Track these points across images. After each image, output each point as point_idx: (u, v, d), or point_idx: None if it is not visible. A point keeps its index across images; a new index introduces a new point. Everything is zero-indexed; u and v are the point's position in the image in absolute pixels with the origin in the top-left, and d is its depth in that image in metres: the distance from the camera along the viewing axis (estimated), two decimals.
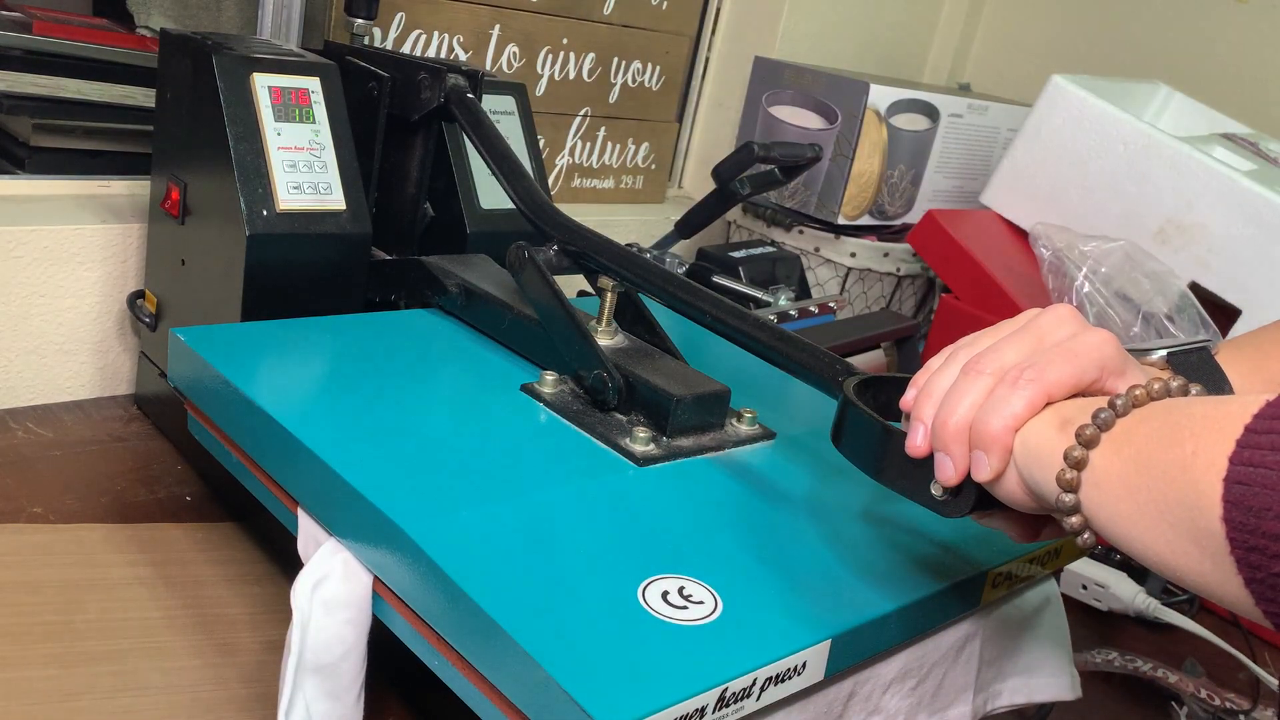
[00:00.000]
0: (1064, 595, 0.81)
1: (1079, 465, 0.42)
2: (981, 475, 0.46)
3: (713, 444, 0.68)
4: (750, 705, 0.48)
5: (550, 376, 0.71)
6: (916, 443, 0.48)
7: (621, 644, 0.47)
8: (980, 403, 0.46)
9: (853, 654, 0.53)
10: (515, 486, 0.59)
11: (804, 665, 0.50)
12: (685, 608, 0.50)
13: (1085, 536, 0.43)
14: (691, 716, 0.45)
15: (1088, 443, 0.42)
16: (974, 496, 0.47)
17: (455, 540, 0.52)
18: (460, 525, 0.53)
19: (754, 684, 0.48)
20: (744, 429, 0.70)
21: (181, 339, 0.70)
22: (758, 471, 0.66)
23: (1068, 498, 0.43)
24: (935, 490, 0.48)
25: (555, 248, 0.76)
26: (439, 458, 0.60)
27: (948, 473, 0.47)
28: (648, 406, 0.68)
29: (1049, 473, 0.43)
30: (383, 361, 0.72)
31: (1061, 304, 0.50)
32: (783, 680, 0.49)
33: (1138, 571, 0.96)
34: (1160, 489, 0.39)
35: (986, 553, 0.61)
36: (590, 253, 0.75)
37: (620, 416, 0.68)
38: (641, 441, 0.65)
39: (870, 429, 0.51)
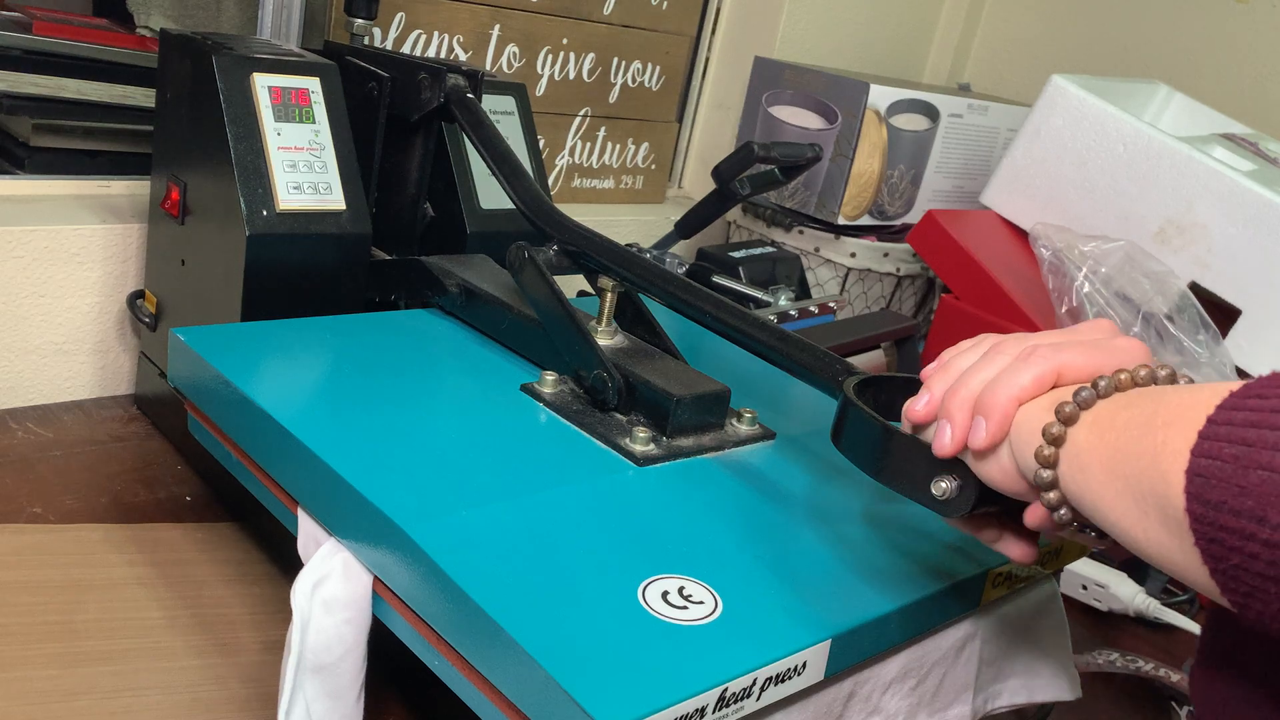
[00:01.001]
0: (1064, 595, 0.81)
1: (1056, 442, 0.43)
2: (977, 441, 0.46)
3: (713, 444, 0.67)
4: (750, 705, 0.48)
5: (550, 376, 0.71)
6: (918, 408, 0.48)
7: (621, 644, 0.47)
8: (993, 378, 0.46)
9: (853, 654, 0.53)
10: (515, 486, 0.59)
11: (804, 665, 0.50)
12: (685, 608, 0.50)
13: (1061, 512, 0.44)
14: (691, 716, 0.45)
15: (1066, 420, 0.43)
16: (974, 495, 0.47)
17: (455, 540, 0.52)
18: (460, 525, 0.53)
19: (754, 684, 0.48)
20: (744, 429, 0.70)
21: (181, 339, 0.70)
22: (758, 471, 0.66)
23: (1045, 474, 0.43)
24: (935, 490, 0.48)
25: (555, 248, 0.76)
26: (439, 458, 0.60)
27: (944, 439, 0.47)
28: (648, 406, 0.68)
29: (1030, 448, 0.44)
30: (383, 361, 0.72)
31: (1102, 318, 0.50)
32: (783, 680, 0.49)
33: (1138, 571, 0.96)
34: (1135, 475, 0.40)
35: (986, 553, 0.61)
36: (590, 253, 0.75)
37: (620, 416, 0.68)
38: (641, 441, 0.65)
39: (870, 428, 0.51)
